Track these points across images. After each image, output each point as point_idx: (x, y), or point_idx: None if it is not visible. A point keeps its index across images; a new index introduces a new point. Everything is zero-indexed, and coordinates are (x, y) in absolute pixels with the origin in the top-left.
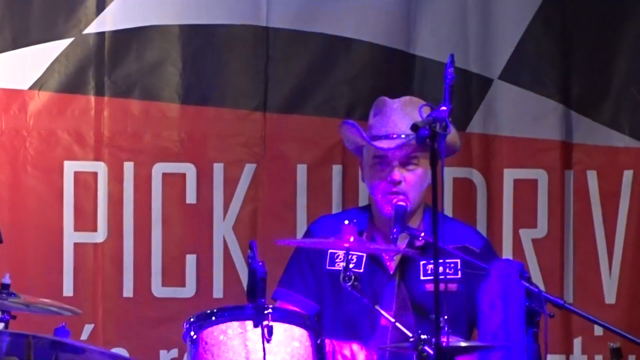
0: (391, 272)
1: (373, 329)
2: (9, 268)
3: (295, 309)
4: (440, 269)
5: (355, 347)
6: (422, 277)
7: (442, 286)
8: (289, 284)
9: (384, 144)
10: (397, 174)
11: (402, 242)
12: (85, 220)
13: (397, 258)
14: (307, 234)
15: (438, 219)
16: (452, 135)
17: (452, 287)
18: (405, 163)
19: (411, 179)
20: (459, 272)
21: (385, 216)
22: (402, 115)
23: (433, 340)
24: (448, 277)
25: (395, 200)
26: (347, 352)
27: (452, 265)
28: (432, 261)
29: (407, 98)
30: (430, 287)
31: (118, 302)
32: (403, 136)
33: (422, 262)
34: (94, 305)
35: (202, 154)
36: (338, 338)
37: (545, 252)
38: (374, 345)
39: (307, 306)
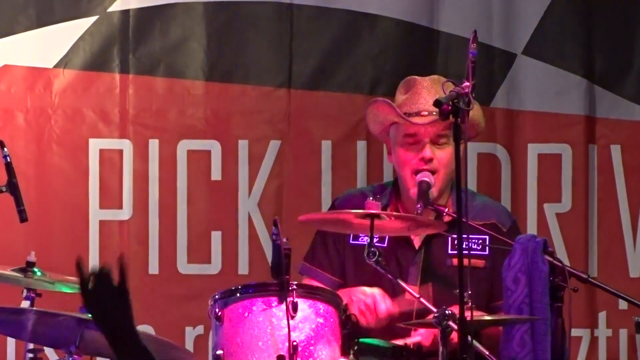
0: (416, 247)
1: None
2: (34, 246)
3: (318, 284)
4: (467, 244)
5: (378, 295)
6: (450, 251)
7: (467, 262)
8: (314, 260)
9: (416, 120)
10: (429, 151)
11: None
12: (110, 197)
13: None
14: (331, 208)
15: (462, 195)
16: (477, 115)
17: (478, 263)
18: (436, 141)
19: (442, 157)
20: (487, 248)
21: (412, 195)
22: (433, 93)
23: (457, 315)
24: (475, 253)
25: (419, 176)
26: (369, 301)
27: (479, 241)
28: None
29: (436, 77)
30: (456, 262)
31: (143, 280)
32: (434, 113)
33: (449, 237)
34: None
35: (226, 131)
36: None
37: (569, 226)
38: (398, 321)
39: (332, 282)
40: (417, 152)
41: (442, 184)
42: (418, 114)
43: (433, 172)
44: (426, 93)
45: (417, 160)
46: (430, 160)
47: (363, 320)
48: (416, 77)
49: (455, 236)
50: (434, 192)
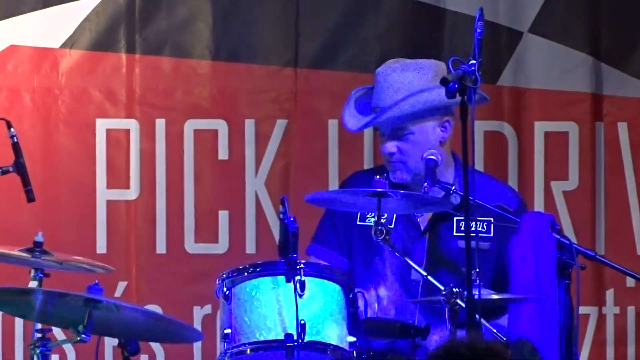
0: (422, 229)
1: (403, 283)
2: (42, 226)
3: (326, 264)
4: (473, 226)
5: (382, 290)
6: (455, 233)
7: (473, 243)
8: (322, 240)
9: (367, 118)
10: (387, 146)
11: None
12: (117, 177)
13: (428, 214)
14: (340, 188)
15: (468, 174)
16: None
17: (483, 245)
18: (396, 134)
19: (406, 148)
20: (492, 230)
21: (395, 182)
22: (385, 87)
23: (465, 293)
24: (480, 235)
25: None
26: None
27: (485, 223)
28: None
29: (398, 65)
30: (462, 243)
31: (151, 259)
32: (387, 108)
33: (455, 218)
34: (127, 262)
35: (233, 110)
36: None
37: (576, 204)
38: (404, 299)
39: (340, 262)
40: (382, 146)
41: (415, 170)
42: (374, 110)
43: (401, 163)
44: (378, 88)
45: (384, 154)
46: (392, 154)
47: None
48: (389, 63)
49: (460, 218)
50: (404, 178)
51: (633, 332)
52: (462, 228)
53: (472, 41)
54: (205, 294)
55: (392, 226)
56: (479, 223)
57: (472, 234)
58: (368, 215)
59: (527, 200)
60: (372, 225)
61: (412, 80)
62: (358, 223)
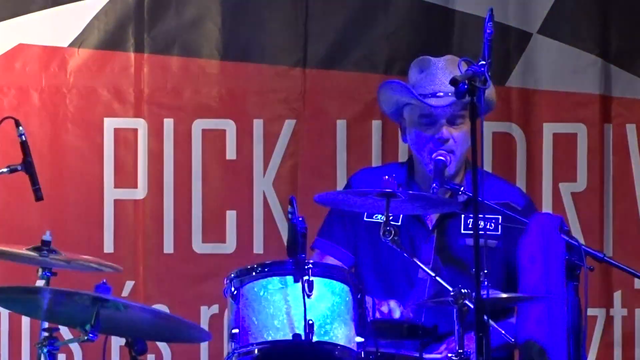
0: (430, 227)
1: (410, 282)
2: (49, 225)
3: (332, 259)
4: (481, 224)
5: (393, 303)
6: (462, 231)
7: (481, 241)
8: (328, 235)
9: (433, 101)
10: (446, 131)
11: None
12: (125, 176)
13: (436, 213)
14: (347, 187)
15: (477, 174)
16: (490, 92)
17: (491, 243)
18: (452, 121)
19: (459, 137)
20: (499, 228)
21: (429, 174)
22: (448, 74)
23: (473, 294)
24: (488, 232)
25: (434, 155)
26: (384, 309)
27: (492, 221)
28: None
29: (450, 57)
30: (470, 241)
31: (159, 259)
32: (450, 94)
33: (463, 215)
34: (135, 262)
35: (241, 110)
36: (375, 292)
37: (584, 205)
38: (411, 299)
39: (345, 257)
40: (433, 133)
41: (458, 164)
42: (434, 95)
43: (450, 152)
44: (441, 74)
45: (434, 140)
46: (447, 140)
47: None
48: (430, 57)
49: (468, 216)
50: (449, 171)
51: None
52: (470, 226)
53: (481, 42)
54: (212, 294)
55: (399, 224)
56: (486, 221)
57: (480, 232)
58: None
59: (535, 201)
60: (379, 222)
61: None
62: (365, 219)
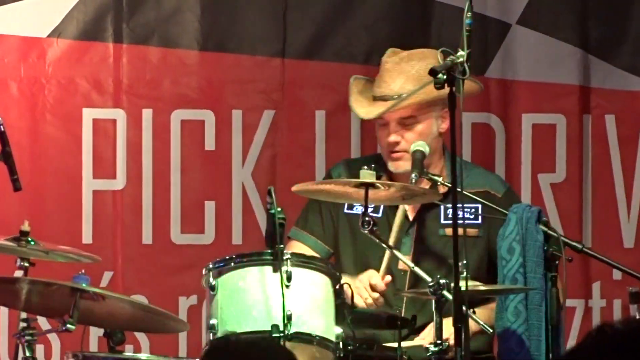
0: (410, 219)
1: (390, 274)
2: (28, 215)
3: (307, 248)
4: (460, 214)
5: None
6: (442, 221)
7: (461, 231)
8: (304, 225)
9: (379, 106)
10: (394, 135)
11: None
12: (104, 167)
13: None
14: (326, 177)
15: (456, 164)
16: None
17: (472, 232)
18: (402, 122)
19: (411, 137)
20: (480, 217)
21: (396, 172)
22: (394, 75)
23: (452, 284)
24: (467, 222)
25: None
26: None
27: (472, 210)
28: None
29: (405, 53)
30: (449, 231)
31: (137, 249)
32: (395, 97)
33: (442, 207)
34: (114, 252)
35: (220, 100)
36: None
37: (563, 196)
38: (392, 290)
39: (322, 248)
40: (386, 136)
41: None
42: (382, 98)
43: (404, 151)
44: (387, 76)
45: (388, 144)
46: (397, 143)
47: (362, 302)
48: (386, 54)
49: (447, 206)
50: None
51: None
52: (449, 216)
53: (460, 33)
54: (191, 285)
55: (380, 215)
56: (466, 210)
57: (460, 221)
58: (356, 204)
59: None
60: (359, 214)
61: (418, 69)
62: (345, 211)
